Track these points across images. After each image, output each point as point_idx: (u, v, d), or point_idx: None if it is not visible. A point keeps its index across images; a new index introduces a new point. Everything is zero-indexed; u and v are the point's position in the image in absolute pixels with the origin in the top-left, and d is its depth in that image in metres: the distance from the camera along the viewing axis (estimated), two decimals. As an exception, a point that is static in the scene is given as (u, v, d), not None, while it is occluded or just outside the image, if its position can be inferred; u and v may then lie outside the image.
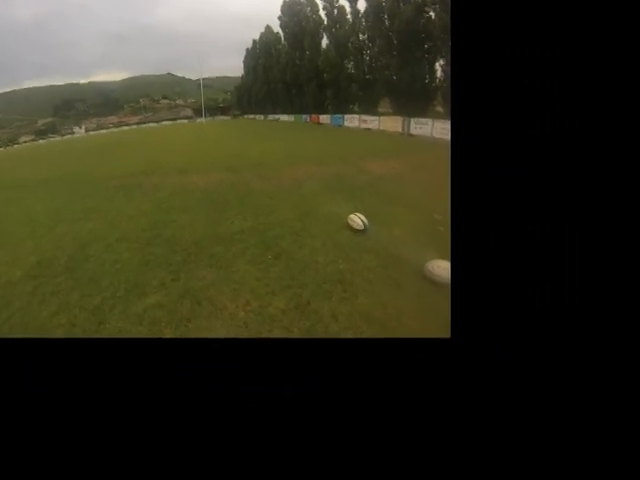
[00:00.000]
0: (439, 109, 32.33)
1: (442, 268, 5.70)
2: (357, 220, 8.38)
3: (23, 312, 6.07)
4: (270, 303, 5.71)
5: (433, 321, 4.66)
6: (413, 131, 27.99)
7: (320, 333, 4.98)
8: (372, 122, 34.48)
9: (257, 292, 6.03)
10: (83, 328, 5.48)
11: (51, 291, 6.66)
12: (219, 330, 5.19)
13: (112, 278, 6.91)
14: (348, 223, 8.54)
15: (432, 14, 31.68)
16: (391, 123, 31.67)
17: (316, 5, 49.11)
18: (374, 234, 8.04)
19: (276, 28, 60.86)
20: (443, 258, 5.88)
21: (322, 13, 47.75)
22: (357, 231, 8.26)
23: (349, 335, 4.90)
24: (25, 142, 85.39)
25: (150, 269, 7.19)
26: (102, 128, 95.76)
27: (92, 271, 7.34)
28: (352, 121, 38.26)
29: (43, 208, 13.10)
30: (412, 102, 32.80)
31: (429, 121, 26.77)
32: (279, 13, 56.79)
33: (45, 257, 8.30)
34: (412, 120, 28.56)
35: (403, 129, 29.30)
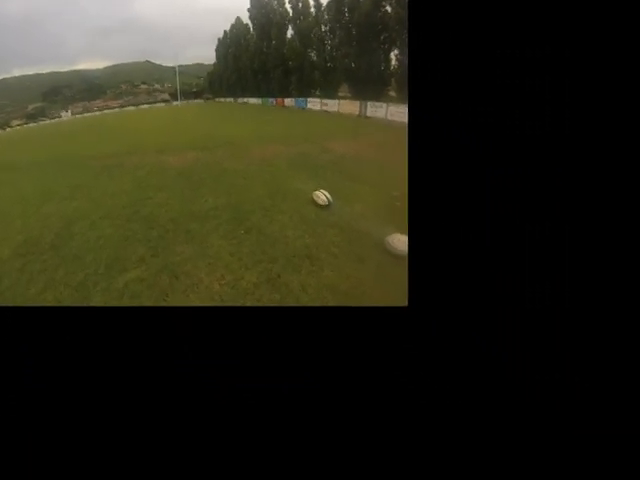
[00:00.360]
0: (393, 94, 32.21)
1: (401, 242, 5.55)
2: (322, 196, 8.18)
3: (12, 290, 5.73)
4: (243, 277, 5.51)
5: (393, 291, 4.51)
6: (369, 114, 27.82)
7: (291, 305, 4.81)
8: (332, 105, 34.15)
9: (231, 266, 5.81)
10: (68, 304, 5.19)
11: (38, 269, 6.29)
12: (196, 303, 4.98)
13: (95, 254, 6.58)
14: (313, 199, 8.34)
15: (388, 8, 31.29)
16: (349, 106, 31.42)
17: (282, -1, 48.43)
18: (337, 209, 7.85)
19: (245, 20, 59.44)
20: (401, 232, 5.75)
21: (288, 6, 46.98)
22: (322, 207, 8.06)
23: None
24: (17, 126, 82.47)
25: (130, 244, 6.88)
26: (87, 112, 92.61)
27: (77, 248, 6.97)
28: (314, 104, 37.74)
29: (32, 188, 12.39)
30: (369, 87, 32.59)
31: (383, 105, 26.66)
32: (248, 6, 55.74)
33: (32, 235, 7.84)
34: (368, 104, 28.41)
35: (360, 112, 29.09)
